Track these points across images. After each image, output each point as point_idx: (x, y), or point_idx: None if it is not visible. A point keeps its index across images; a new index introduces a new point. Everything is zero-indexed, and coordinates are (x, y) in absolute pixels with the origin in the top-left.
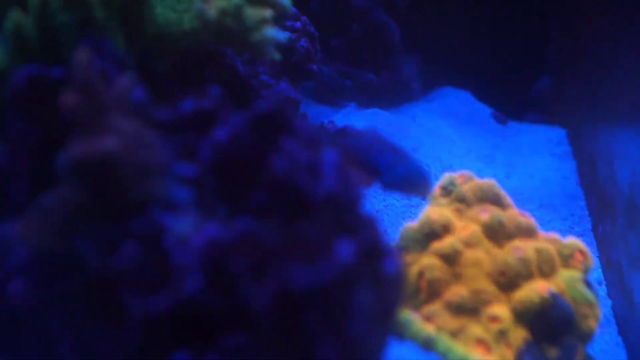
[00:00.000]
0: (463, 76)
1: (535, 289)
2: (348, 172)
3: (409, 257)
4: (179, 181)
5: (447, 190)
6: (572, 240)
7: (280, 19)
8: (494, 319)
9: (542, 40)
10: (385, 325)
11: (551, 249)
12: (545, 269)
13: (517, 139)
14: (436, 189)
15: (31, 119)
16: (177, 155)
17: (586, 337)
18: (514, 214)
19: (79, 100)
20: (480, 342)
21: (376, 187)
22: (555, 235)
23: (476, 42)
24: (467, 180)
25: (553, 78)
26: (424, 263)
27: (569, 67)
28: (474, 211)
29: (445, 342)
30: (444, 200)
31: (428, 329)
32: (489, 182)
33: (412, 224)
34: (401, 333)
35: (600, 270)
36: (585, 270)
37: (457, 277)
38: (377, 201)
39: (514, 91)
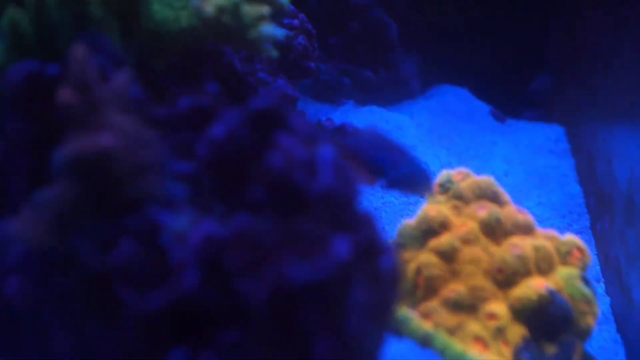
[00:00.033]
0: (461, 74)
1: (533, 286)
2: (345, 169)
3: (406, 254)
4: (176, 178)
5: (444, 188)
6: (570, 237)
7: (277, 17)
8: (492, 316)
9: (541, 38)
10: (382, 322)
11: (549, 246)
12: (543, 266)
13: (516, 137)
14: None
15: (28, 116)
16: (174, 152)
17: (584, 334)
18: (512, 211)
19: (75, 97)
20: (478, 339)
21: (379, 185)
22: (553, 233)
23: (475, 40)
24: (465, 177)
25: (552, 76)
26: (422, 260)
27: (568, 64)
28: (471, 208)
29: (442, 339)
30: (441, 198)
31: (426, 326)
32: (486, 179)
33: (409, 221)
34: (399, 330)
35: (598, 267)
36: (583, 268)
37: (454, 274)
38: (375, 199)
39: (512, 89)
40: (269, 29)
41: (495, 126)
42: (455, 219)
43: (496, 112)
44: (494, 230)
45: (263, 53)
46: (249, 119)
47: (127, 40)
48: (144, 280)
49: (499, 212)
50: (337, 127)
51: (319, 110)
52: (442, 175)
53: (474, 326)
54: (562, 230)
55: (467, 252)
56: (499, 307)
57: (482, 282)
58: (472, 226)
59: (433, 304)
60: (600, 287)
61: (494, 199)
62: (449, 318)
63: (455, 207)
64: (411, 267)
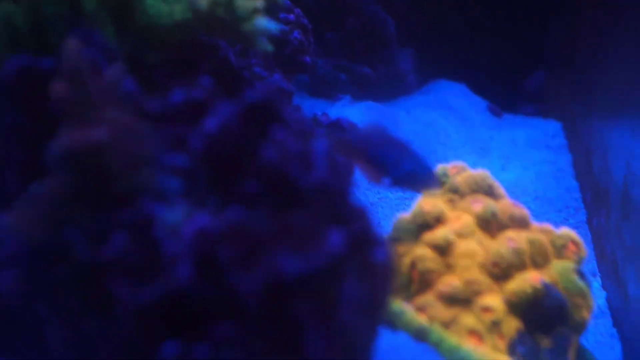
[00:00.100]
0: (459, 69)
1: (528, 280)
2: (339, 162)
3: (401, 248)
4: (169, 171)
5: (440, 182)
6: (566, 231)
7: (273, 11)
8: (487, 309)
9: (539, 34)
10: (376, 315)
11: (544, 239)
12: (538, 259)
13: (513, 132)
14: None
15: (21, 109)
16: (168, 145)
17: (579, 327)
18: (507, 205)
19: (68, 91)
20: (473, 332)
21: (384, 183)
22: (548, 226)
23: (472, 35)
24: (460, 171)
25: (548, 71)
26: (417, 254)
27: (565, 60)
28: (466, 202)
29: (437, 332)
30: (437, 191)
31: (421, 320)
32: (482, 173)
33: (405, 215)
34: (394, 323)
35: (594, 262)
36: (579, 261)
37: (449, 268)
38: (371, 193)
39: (509, 84)
40: (264, 22)
41: (492, 121)
42: (450, 213)
43: (494, 107)
44: (489, 224)
45: (258, 47)
46: (243, 112)
47: (121, 34)
48: (137, 274)
49: (494, 205)
50: (332, 122)
51: (315, 106)
52: (438, 169)
53: (468, 320)
54: (558, 225)
55: (462, 245)
56: (494, 301)
57: (477, 275)
58: (467, 220)
59: (428, 297)
60: (597, 282)
61: (490, 192)
62: (443, 311)
63: (451, 201)
64: (406, 261)
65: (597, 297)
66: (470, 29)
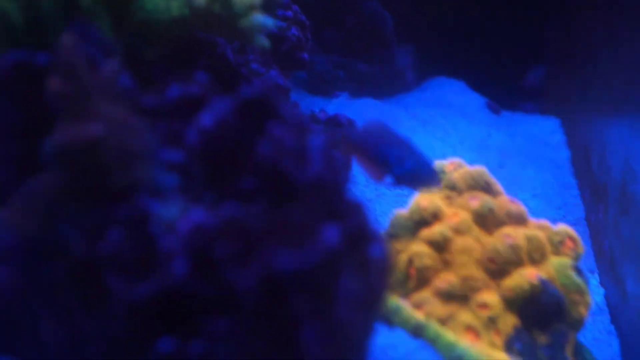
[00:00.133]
0: (457, 66)
1: (525, 276)
2: (335, 158)
3: (398, 245)
4: (165, 167)
5: None
6: (563, 227)
7: (271, 8)
8: (484, 305)
9: (537, 31)
10: (372, 311)
11: (541, 236)
12: (536, 256)
13: (511, 129)
14: None
15: (17, 104)
16: (164, 141)
17: (577, 324)
18: (504, 201)
19: (64, 86)
20: (470, 328)
21: (386, 182)
22: (545, 222)
23: (471, 33)
24: (458, 167)
25: (547, 68)
26: (414, 250)
27: (563, 57)
28: (464, 198)
29: (434, 328)
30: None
31: (417, 316)
32: (479, 169)
33: (402, 212)
34: (391, 320)
35: (592, 258)
36: (576, 257)
37: (446, 264)
38: (368, 190)
39: (508, 81)
40: (261, 18)
41: (490, 118)
42: (447, 209)
43: (492, 105)
44: (486, 220)
45: (255, 43)
46: (239, 107)
47: (118, 30)
48: (133, 269)
49: (491, 202)
50: (329, 118)
51: (313, 103)
52: (436, 165)
53: (465, 316)
54: (556, 221)
55: (459, 242)
56: (491, 297)
57: (474, 272)
58: (464, 216)
59: (425, 294)
60: (595, 279)
61: (487, 189)
62: (440, 308)
63: (448, 197)
64: (403, 258)
65: (595, 294)
66: (469, 26)
